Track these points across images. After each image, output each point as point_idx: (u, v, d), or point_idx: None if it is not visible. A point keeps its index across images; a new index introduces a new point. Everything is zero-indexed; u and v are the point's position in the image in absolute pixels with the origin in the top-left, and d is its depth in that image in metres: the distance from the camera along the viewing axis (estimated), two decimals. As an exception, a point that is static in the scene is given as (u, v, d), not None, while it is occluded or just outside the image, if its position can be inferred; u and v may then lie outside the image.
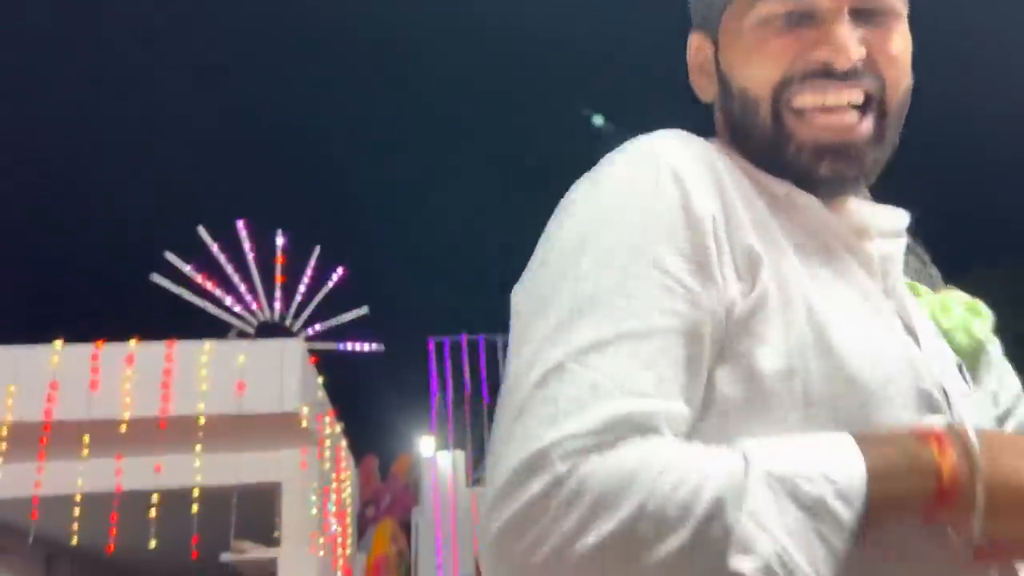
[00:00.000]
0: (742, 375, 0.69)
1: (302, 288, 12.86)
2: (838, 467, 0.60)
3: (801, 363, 0.69)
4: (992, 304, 1.02)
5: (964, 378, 0.84)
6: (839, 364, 0.70)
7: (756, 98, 0.81)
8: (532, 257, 0.76)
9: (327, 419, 11.46)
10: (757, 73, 0.80)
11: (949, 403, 0.75)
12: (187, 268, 11.86)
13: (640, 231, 0.69)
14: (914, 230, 0.93)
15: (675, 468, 0.59)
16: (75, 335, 10.05)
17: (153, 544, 9.62)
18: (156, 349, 9.96)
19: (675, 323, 0.67)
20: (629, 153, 0.77)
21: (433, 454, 12.47)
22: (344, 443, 12.43)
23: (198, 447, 9.80)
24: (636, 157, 0.75)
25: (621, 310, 0.66)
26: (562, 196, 0.80)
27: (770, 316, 0.71)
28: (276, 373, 10.05)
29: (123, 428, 9.48)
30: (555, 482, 0.59)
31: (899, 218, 0.89)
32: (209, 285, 12.10)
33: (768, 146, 0.81)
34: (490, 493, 0.62)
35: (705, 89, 0.89)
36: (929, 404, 0.74)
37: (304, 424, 10.05)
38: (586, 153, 0.86)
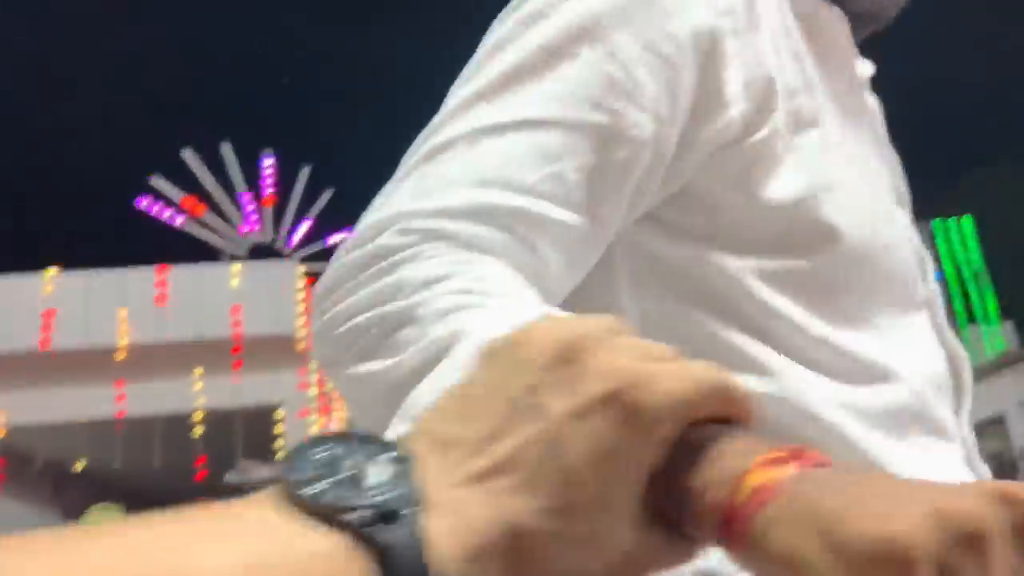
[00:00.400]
0: (753, 207, 0.60)
1: (293, 210, 12.73)
2: None
3: (808, 209, 0.60)
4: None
5: None
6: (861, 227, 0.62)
7: None
8: None
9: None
10: None
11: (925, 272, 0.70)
12: (175, 193, 11.70)
13: (609, 10, 0.57)
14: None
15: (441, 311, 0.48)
16: (63, 263, 9.97)
17: (158, 467, 9.75)
18: (148, 275, 9.92)
19: (604, 121, 0.56)
20: None
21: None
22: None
23: (197, 371, 9.84)
24: None
25: (541, 93, 0.56)
26: None
27: (783, 159, 0.61)
28: (271, 295, 10.03)
29: (121, 355, 9.50)
30: (377, 252, 0.53)
31: (869, 68, 0.79)
32: (197, 209, 11.96)
33: None
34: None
35: None
36: (923, 273, 0.68)
37: (302, 345, 10.07)
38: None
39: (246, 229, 12.50)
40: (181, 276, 10.10)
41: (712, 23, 0.59)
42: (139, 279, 10.08)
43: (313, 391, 10.56)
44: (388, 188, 0.57)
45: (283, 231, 12.94)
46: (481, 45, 0.61)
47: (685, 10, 0.58)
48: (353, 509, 0.27)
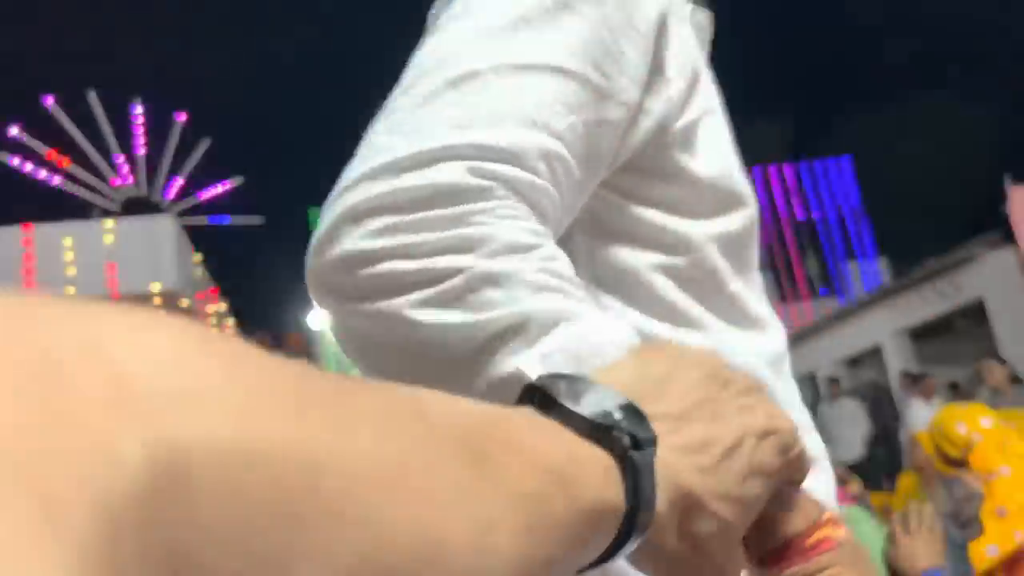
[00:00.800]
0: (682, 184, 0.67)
1: (168, 160, 12.13)
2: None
3: (727, 180, 0.69)
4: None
5: None
6: (745, 196, 0.71)
7: None
8: None
9: (209, 296, 11.10)
10: None
11: None
12: (37, 144, 10.95)
13: None
14: None
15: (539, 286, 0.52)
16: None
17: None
18: (11, 234, 9.34)
19: (602, 83, 0.60)
20: None
21: (323, 327, 12.39)
22: (231, 321, 12.14)
23: (71, 334, 9.37)
24: None
25: (554, 41, 0.59)
26: None
27: (702, 139, 0.68)
28: (148, 252, 9.60)
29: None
30: (442, 191, 0.52)
31: None
32: (62, 162, 11.24)
33: None
34: (341, 184, 0.53)
35: None
36: None
37: (184, 303, 9.71)
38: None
39: (117, 182, 11.86)
40: (47, 235, 9.53)
41: (664, 6, 0.66)
42: (2, 238, 9.48)
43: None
44: (403, 116, 0.56)
45: (160, 183, 12.34)
46: None
47: (656, 6, 0.65)
48: (619, 431, 0.33)
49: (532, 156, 0.55)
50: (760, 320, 0.70)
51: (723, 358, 0.43)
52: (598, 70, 0.60)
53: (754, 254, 0.73)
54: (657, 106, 0.64)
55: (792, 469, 0.42)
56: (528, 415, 0.33)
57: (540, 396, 0.34)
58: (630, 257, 0.65)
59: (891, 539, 2.01)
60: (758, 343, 0.69)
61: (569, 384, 0.34)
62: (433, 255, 0.51)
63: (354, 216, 0.52)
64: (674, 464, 0.36)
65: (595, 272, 0.65)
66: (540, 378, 0.35)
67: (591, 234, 0.66)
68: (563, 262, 0.54)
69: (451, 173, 0.52)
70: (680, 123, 0.66)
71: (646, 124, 0.64)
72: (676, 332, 0.65)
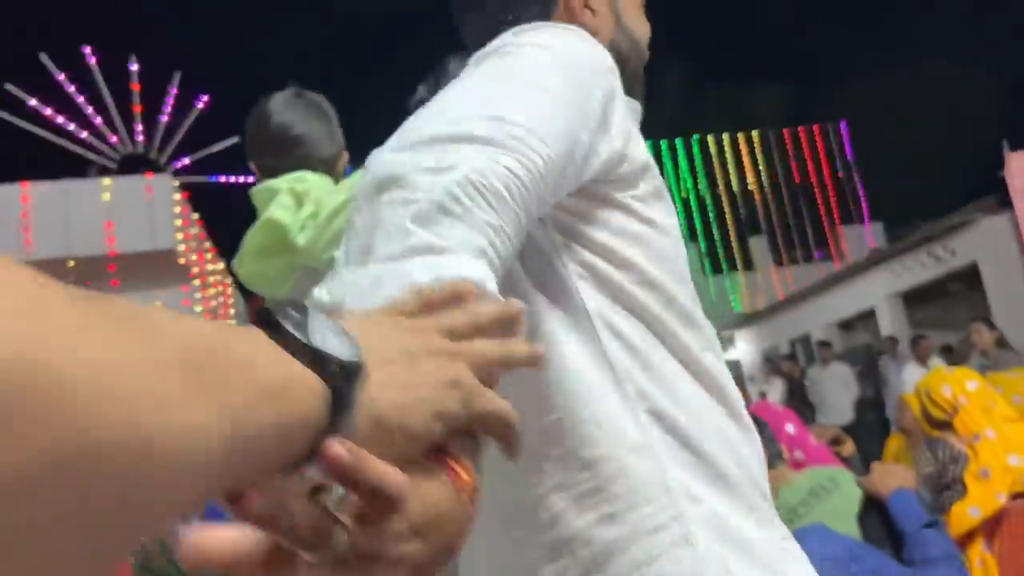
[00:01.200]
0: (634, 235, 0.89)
1: (164, 118, 12.06)
2: None
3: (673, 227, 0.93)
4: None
5: None
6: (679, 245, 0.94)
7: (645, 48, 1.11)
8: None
9: (208, 256, 11.11)
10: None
11: None
12: (32, 101, 10.86)
13: (582, 60, 0.88)
14: None
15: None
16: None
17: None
18: (9, 191, 9.30)
19: (585, 110, 0.83)
20: (569, 28, 0.93)
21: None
22: (230, 281, 12.16)
23: (70, 292, 9.39)
24: (575, 32, 0.93)
25: (554, 80, 0.82)
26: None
27: (642, 183, 0.91)
28: (145, 210, 9.57)
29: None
30: (487, 139, 0.71)
31: None
32: (60, 119, 11.16)
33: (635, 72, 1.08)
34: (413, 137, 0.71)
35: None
36: None
37: (182, 261, 9.73)
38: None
39: (114, 140, 11.79)
40: (45, 192, 9.50)
41: (611, 87, 0.90)
42: (1, 196, 9.44)
43: (198, 307, 10.24)
44: (493, 94, 0.79)
45: (157, 141, 12.28)
46: (496, 50, 0.87)
47: (607, 74, 0.90)
48: (333, 361, 0.40)
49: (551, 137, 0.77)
50: (697, 319, 0.91)
51: (433, 323, 0.51)
52: (584, 104, 0.84)
53: (685, 269, 0.94)
54: (604, 151, 0.86)
55: (477, 421, 0.48)
56: (258, 337, 0.39)
57: (273, 321, 0.40)
58: (599, 263, 0.87)
59: (869, 469, 2.09)
60: (702, 337, 0.90)
61: (302, 316, 0.41)
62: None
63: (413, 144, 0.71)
64: (374, 397, 0.42)
65: (574, 267, 0.86)
66: (278, 307, 0.41)
67: (565, 237, 0.88)
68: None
69: (494, 130, 0.72)
70: (620, 170, 0.89)
71: (594, 162, 0.85)
72: (638, 330, 0.86)
